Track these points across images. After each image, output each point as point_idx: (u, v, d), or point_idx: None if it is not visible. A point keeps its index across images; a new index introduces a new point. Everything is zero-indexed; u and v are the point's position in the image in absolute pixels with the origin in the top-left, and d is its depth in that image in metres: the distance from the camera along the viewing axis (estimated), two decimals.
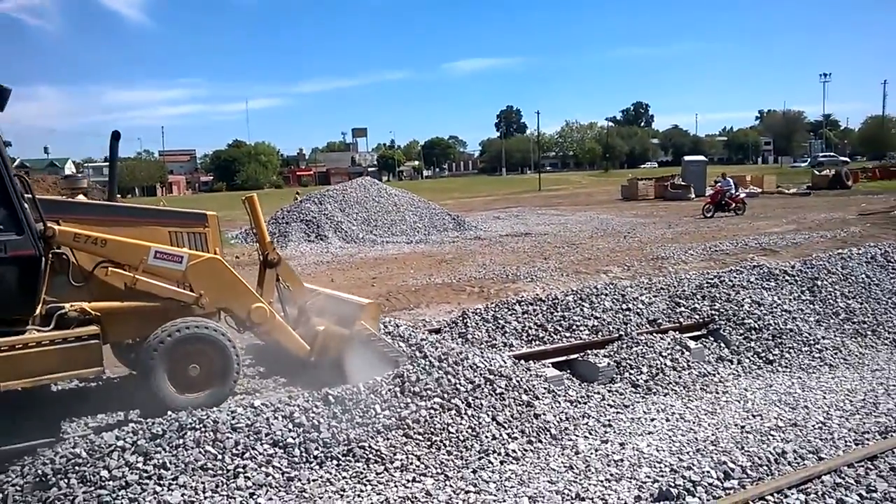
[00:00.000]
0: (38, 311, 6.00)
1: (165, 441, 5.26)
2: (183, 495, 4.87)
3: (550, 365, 7.73)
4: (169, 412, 5.63)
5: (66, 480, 4.86)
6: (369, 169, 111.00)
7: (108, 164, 7.52)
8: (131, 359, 6.65)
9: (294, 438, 5.62)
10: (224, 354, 6.42)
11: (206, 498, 4.91)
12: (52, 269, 6.14)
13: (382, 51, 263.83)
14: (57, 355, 5.78)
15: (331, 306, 7.47)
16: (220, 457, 5.23)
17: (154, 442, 5.23)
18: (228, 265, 6.89)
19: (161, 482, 4.95)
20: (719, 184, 28.54)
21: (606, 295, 9.41)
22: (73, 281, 6.31)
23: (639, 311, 9.16)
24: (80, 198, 10.01)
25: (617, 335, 8.47)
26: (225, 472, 5.15)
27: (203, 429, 5.43)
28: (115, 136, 7.14)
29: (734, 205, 27.43)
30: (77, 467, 4.98)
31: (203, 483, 5.01)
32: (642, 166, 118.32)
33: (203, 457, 5.19)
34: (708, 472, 4.79)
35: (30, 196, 5.91)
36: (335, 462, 5.59)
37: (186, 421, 5.45)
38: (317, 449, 5.64)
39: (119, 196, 10.35)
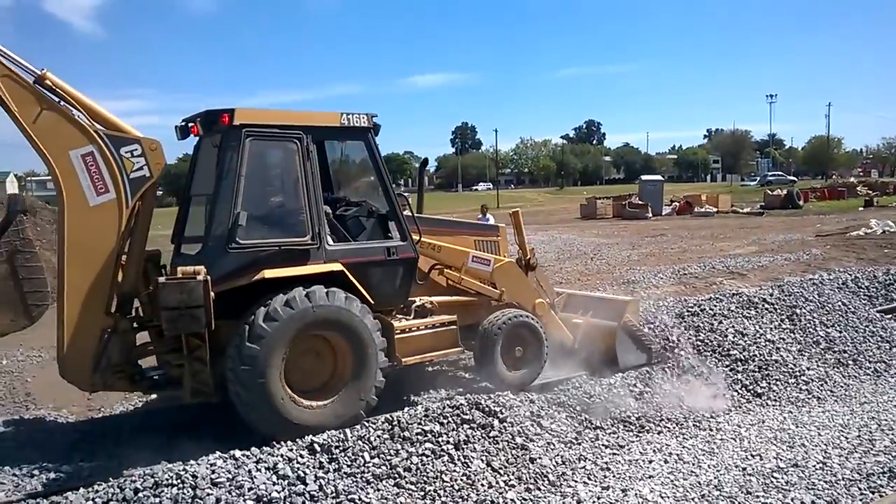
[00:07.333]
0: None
1: (140, 502, 4.80)
2: None
3: None
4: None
5: None
6: None
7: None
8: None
9: (279, 492, 5.21)
10: (539, 339, 7.77)
11: None
12: None
13: (336, 64, 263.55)
14: (432, 338, 7.42)
15: (580, 303, 9.06)
16: None
17: None
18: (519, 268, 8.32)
19: None
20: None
21: None
22: (417, 280, 7.57)
23: None
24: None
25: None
26: None
27: (181, 485, 5.00)
28: (424, 163, 9.34)
29: None
30: None
31: None
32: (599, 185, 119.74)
33: None
34: None
35: (405, 212, 7.42)
36: None
37: (163, 477, 5.00)
38: (303, 503, 5.24)
39: None
